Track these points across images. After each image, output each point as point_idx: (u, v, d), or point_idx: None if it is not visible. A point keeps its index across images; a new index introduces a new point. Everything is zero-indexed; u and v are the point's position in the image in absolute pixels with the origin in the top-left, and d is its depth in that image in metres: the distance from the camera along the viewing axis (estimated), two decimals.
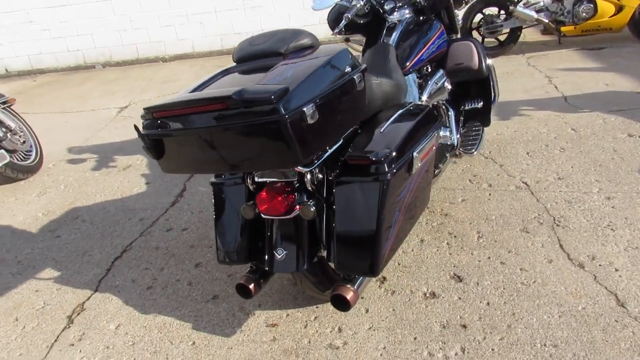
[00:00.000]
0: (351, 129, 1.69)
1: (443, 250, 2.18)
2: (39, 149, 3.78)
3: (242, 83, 1.40)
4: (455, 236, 2.27)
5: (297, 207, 1.54)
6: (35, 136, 3.81)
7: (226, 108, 1.23)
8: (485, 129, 2.74)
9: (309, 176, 1.54)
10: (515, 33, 5.18)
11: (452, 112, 2.63)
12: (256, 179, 1.64)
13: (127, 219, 2.83)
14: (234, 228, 1.73)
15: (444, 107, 2.64)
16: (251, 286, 1.68)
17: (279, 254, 1.61)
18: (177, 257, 2.39)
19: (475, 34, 5.25)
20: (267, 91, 1.21)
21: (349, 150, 1.57)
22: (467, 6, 2.81)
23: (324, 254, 1.65)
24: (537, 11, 5.00)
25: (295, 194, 1.57)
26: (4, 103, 3.54)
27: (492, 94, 2.81)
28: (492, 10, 5.22)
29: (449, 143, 2.49)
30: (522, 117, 3.52)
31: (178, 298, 2.10)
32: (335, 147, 1.59)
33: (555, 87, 4.11)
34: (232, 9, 7.47)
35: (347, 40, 2.74)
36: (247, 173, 1.65)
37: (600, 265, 1.96)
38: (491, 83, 2.74)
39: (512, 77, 4.53)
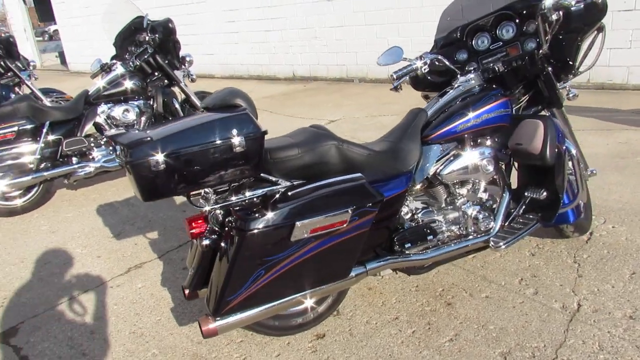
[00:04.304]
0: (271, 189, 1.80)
1: (402, 336, 2.02)
2: None
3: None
4: (429, 329, 2.05)
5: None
6: None
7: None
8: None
9: (211, 214, 1.80)
10: None
11: (508, 195, 2.28)
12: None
13: None
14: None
15: (505, 186, 2.31)
16: (186, 291, 2.03)
17: (190, 272, 1.92)
18: None
19: None
20: (131, 138, 1.55)
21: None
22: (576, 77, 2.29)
23: None
24: None
25: (209, 227, 1.85)
26: None
27: (574, 190, 2.28)
28: None
29: (482, 228, 2.21)
30: None
31: None
32: (256, 195, 1.76)
33: None
34: None
35: (426, 97, 2.67)
36: None
37: None
38: (570, 176, 2.24)
39: None
